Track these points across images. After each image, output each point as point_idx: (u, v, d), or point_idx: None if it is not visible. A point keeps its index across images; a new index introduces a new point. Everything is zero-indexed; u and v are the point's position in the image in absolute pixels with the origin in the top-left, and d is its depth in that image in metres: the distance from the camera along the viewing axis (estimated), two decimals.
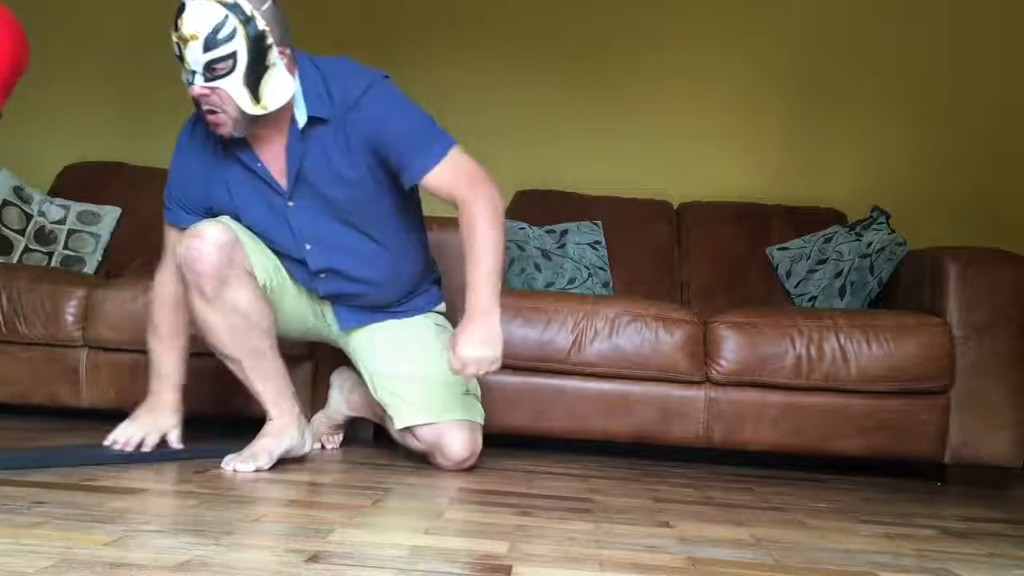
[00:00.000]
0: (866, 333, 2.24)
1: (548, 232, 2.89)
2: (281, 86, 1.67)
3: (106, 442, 1.79)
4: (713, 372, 2.26)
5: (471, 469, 1.93)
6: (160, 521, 1.21)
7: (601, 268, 2.87)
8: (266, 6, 1.63)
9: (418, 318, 1.98)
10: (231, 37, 1.59)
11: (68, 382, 2.37)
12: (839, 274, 2.68)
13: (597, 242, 2.91)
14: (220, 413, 2.27)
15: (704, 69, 3.27)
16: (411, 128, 1.72)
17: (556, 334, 2.27)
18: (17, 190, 2.91)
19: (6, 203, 2.86)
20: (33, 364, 2.38)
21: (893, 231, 2.63)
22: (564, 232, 2.90)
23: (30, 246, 2.87)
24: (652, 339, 2.25)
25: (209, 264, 1.69)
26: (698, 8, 3.28)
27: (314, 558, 1.06)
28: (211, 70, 1.60)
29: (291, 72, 1.70)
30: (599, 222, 2.96)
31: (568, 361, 2.26)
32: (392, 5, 3.36)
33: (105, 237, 2.98)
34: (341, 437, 2.21)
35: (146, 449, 1.79)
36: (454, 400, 1.89)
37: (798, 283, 2.82)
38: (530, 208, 3.02)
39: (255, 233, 1.82)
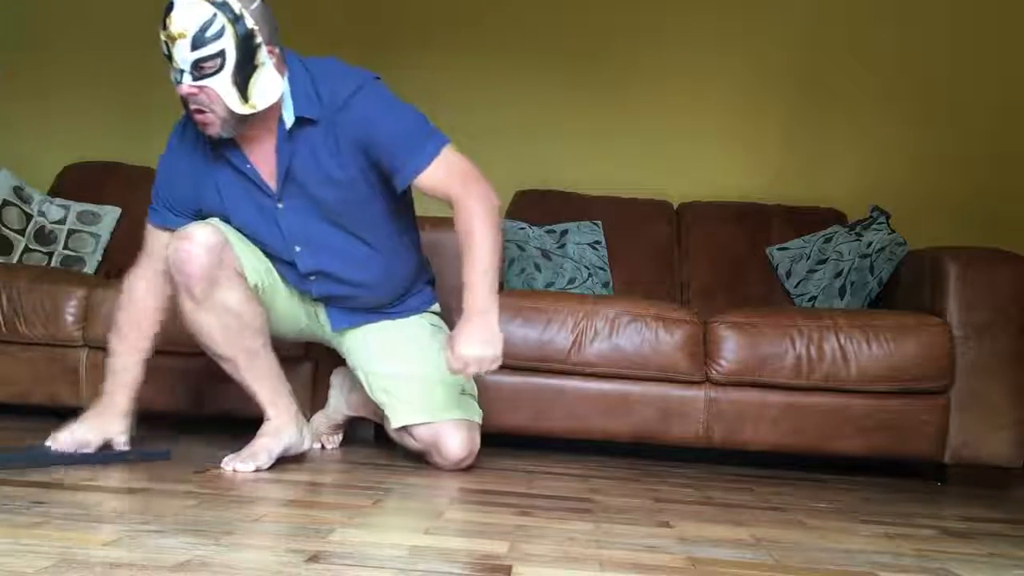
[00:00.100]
0: (866, 333, 2.24)
1: (548, 232, 2.89)
2: (270, 85, 1.66)
3: (48, 441, 1.73)
4: (713, 372, 2.26)
5: (470, 469, 1.93)
6: (160, 521, 1.21)
7: (601, 268, 2.87)
8: (255, 5, 1.62)
9: (413, 318, 1.98)
10: (219, 35, 1.57)
11: (68, 382, 2.37)
12: (839, 274, 2.68)
13: (597, 242, 2.90)
14: (213, 413, 2.27)
15: (704, 69, 3.27)
16: (402, 128, 1.70)
17: (556, 334, 2.27)
18: (17, 190, 2.91)
19: (6, 203, 2.86)
20: (33, 364, 2.38)
21: (893, 231, 2.63)
22: (564, 232, 2.90)
23: (30, 246, 2.87)
24: (652, 339, 2.25)
25: (198, 266, 1.68)
26: (698, 8, 3.28)
27: (314, 558, 1.06)
28: (199, 69, 1.59)
29: (280, 72, 1.69)
30: (599, 222, 2.96)
31: (568, 361, 2.27)
32: (391, 5, 3.35)
33: (105, 237, 2.98)
34: (341, 437, 2.21)
35: (88, 451, 1.74)
36: (451, 399, 1.89)
37: (798, 283, 2.82)
38: (530, 208, 3.02)
39: (245, 235, 1.80)
